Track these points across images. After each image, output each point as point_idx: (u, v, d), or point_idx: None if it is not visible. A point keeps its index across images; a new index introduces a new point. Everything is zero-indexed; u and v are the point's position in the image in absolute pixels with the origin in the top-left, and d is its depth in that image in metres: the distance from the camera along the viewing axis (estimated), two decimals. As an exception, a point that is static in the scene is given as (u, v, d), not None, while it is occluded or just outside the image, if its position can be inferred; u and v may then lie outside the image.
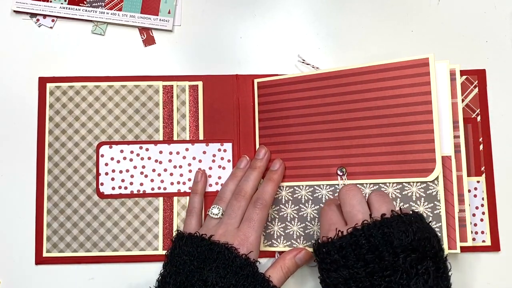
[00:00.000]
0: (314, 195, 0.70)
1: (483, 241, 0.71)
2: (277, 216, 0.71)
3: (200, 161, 0.73)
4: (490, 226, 0.71)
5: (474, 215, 0.71)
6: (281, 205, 0.71)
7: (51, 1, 0.77)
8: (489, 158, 0.72)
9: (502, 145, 0.72)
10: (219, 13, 0.78)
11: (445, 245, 0.63)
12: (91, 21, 0.77)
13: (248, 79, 0.75)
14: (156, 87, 0.75)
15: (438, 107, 0.65)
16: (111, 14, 0.77)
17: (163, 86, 0.75)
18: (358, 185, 0.67)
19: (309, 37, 0.77)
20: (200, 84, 0.75)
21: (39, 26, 0.77)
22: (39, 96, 0.74)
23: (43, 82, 0.75)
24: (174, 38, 0.78)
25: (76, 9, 0.77)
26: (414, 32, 0.76)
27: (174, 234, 0.70)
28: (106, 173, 0.73)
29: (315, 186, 0.70)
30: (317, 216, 0.69)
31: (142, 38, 0.77)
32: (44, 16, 0.77)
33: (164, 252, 0.71)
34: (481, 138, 0.72)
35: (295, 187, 0.71)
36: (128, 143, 0.73)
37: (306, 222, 0.70)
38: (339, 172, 0.68)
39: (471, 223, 0.70)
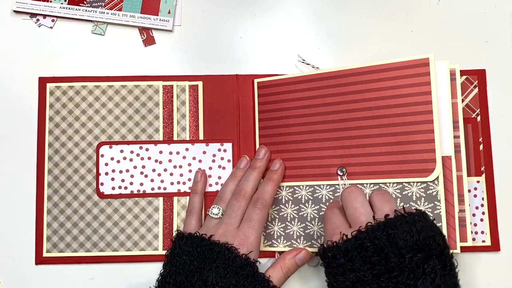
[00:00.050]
0: (314, 195, 0.70)
1: (483, 241, 0.71)
2: (277, 216, 0.71)
3: (200, 161, 0.73)
4: (490, 226, 0.71)
5: (474, 215, 0.71)
6: (281, 205, 0.71)
7: (51, 1, 0.77)
8: (489, 158, 0.72)
9: (502, 145, 0.72)
10: (219, 13, 0.78)
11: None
12: (91, 21, 0.77)
13: (248, 79, 0.75)
14: (156, 87, 0.75)
15: (438, 107, 0.65)
16: (111, 14, 0.77)
17: (163, 86, 0.75)
18: (357, 185, 0.67)
19: (309, 37, 0.77)
20: (200, 84, 0.75)
21: (39, 26, 0.77)
22: (39, 96, 0.74)
23: (43, 82, 0.75)
24: (174, 38, 0.78)
25: (76, 9, 0.77)
26: (414, 32, 0.76)
27: (174, 234, 0.70)
28: (106, 173, 0.73)
29: (315, 186, 0.70)
30: (317, 216, 0.69)
31: (142, 38, 0.77)
32: (44, 16, 0.77)
33: (164, 252, 0.71)
34: (481, 138, 0.72)
35: (295, 187, 0.71)
36: (128, 143, 0.73)
37: (306, 222, 0.70)
38: (339, 172, 0.68)
39: (471, 223, 0.70)
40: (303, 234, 0.70)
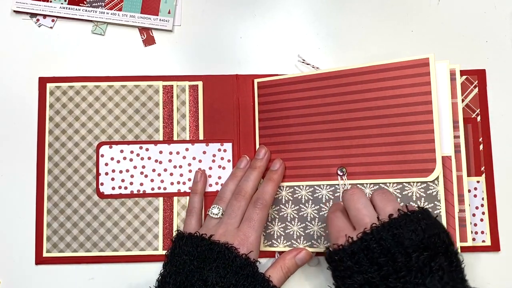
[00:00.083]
0: (314, 195, 0.70)
1: (483, 241, 0.71)
2: (277, 216, 0.71)
3: (200, 161, 0.73)
4: (490, 226, 0.71)
5: (474, 215, 0.71)
6: (281, 205, 0.71)
7: (51, 1, 0.77)
8: (489, 158, 0.72)
9: (502, 145, 0.72)
10: (219, 13, 0.78)
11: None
12: (91, 21, 0.77)
13: (248, 79, 0.75)
14: (156, 87, 0.75)
15: (438, 107, 0.65)
16: (111, 14, 0.77)
17: (163, 86, 0.75)
18: (358, 185, 0.67)
19: (309, 37, 0.77)
20: (200, 84, 0.75)
21: (39, 26, 0.77)
22: (39, 96, 0.74)
23: (43, 82, 0.75)
24: (174, 38, 0.78)
25: (76, 9, 0.77)
26: (414, 32, 0.76)
27: (174, 234, 0.70)
28: (106, 173, 0.73)
29: (315, 186, 0.70)
30: (317, 216, 0.69)
31: (142, 38, 0.77)
32: (44, 16, 0.77)
33: (164, 252, 0.71)
34: (481, 138, 0.72)
35: (295, 187, 0.71)
36: (128, 143, 0.73)
37: (306, 222, 0.70)
38: (339, 172, 0.68)
39: (471, 223, 0.70)
40: (303, 234, 0.70)
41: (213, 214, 0.68)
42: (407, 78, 0.66)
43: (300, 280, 0.72)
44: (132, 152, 0.73)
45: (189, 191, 0.73)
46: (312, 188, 0.70)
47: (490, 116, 0.73)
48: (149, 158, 0.73)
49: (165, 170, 0.73)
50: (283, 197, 0.71)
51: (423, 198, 0.65)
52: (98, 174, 0.73)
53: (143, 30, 0.77)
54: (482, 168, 0.72)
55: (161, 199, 0.73)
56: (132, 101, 0.74)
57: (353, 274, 0.53)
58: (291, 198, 0.71)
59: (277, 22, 0.78)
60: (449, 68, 0.67)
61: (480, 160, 0.72)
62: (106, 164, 0.73)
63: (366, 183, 0.67)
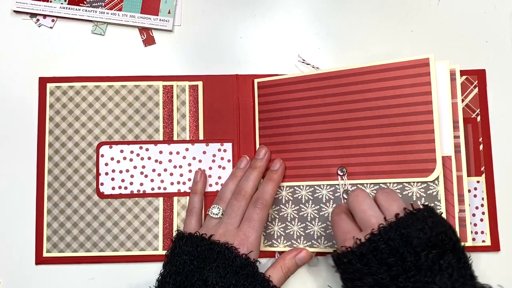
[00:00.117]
0: (315, 195, 0.70)
1: (483, 241, 0.71)
2: (277, 216, 0.71)
3: (200, 161, 0.73)
4: (490, 226, 0.71)
5: (474, 215, 0.71)
6: (281, 205, 0.71)
7: (51, 1, 0.77)
8: (489, 158, 0.72)
9: (502, 145, 0.72)
10: (219, 13, 0.78)
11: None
12: (91, 21, 0.77)
13: (248, 79, 0.75)
14: (156, 87, 0.75)
15: (439, 107, 0.65)
16: (111, 14, 0.77)
17: (163, 86, 0.75)
18: (358, 185, 0.67)
19: (309, 37, 0.77)
20: (200, 84, 0.75)
21: (39, 26, 0.77)
22: (39, 96, 0.74)
23: (43, 82, 0.75)
24: (174, 38, 0.78)
25: (76, 9, 0.77)
26: (414, 32, 0.76)
27: (174, 234, 0.70)
28: (106, 173, 0.73)
29: (315, 186, 0.70)
30: (317, 216, 0.69)
31: (142, 38, 0.77)
32: (44, 16, 0.77)
33: (164, 252, 0.71)
34: (481, 138, 0.72)
35: (295, 187, 0.71)
36: (128, 143, 0.73)
37: (307, 222, 0.70)
38: (339, 172, 0.68)
39: (471, 223, 0.70)
40: (303, 234, 0.70)
41: (213, 214, 0.68)
42: (407, 78, 0.66)
43: (300, 280, 0.72)
44: (132, 152, 0.73)
45: (189, 191, 0.73)
46: (312, 188, 0.70)
47: (490, 116, 0.73)
48: (149, 158, 0.73)
49: (165, 170, 0.73)
50: (283, 197, 0.71)
51: (423, 198, 0.65)
52: (98, 174, 0.73)
53: (143, 30, 0.77)
54: (482, 168, 0.72)
55: (161, 199, 0.73)
56: (132, 101, 0.74)
57: (362, 276, 0.53)
58: (291, 198, 0.71)
59: (277, 22, 0.78)
60: (449, 68, 0.67)
61: (480, 160, 0.72)
62: (106, 164, 0.73)
63: (366, 183, 0.67)
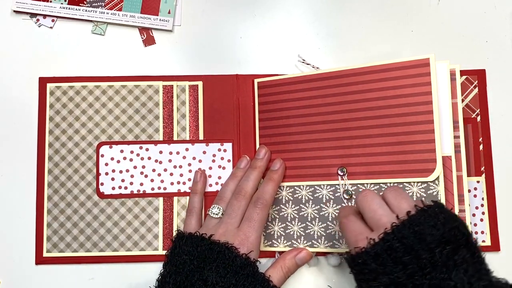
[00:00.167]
0: (315, 195, 0.70)
1: (483, 241, 0.71)
2: (278, 216, 0.71)
3: (200, 161, 0.73)
4: (490, 226, 0.71)
5: (474, 215, 0.71)
6: (281, 205, 0.71)
7: (51, 1, 0.77)
8: (489, 158, 0.72)
9: (502, 145, 0.72)
10: (219, 13, 0.78)
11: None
12: (91, 21, 0.77)
13: (248, 79, 0.75)
14: (156, 87, 0.75)
15: (439, 107, 0.65)
16: (111, 14, 0.77)
17: (163, 86, 0.75)
18: (359, 185, 0.67)
19: (309, 37, 0.77)
20: (200, 84, 0.75)
21: (39, 26, 0.77)
22: (40, 96, 0.74)
23: (43, 82, 0.75)
24: (174, 38, 0.78)
25: (76, 9, 0.77)
26: (414, 32, 0.76)
27: (174, 234, 0.70)
28: (106, 173, 0.73)
29: (315, 186, 0.70)
30: (317, 216, 0.69)
31: (142, 38, 0.77)
32: (44, 16, 0.77)
33: (164, 252, 0.71)
34: (481, 138, 0.72)
35: (295, 187, 0.71)
36: (128, 143, 0.73)
37: (307, 222, 0.70)
38: (339, 172, 0.68)
39: (471, 223, 0.70)
40: (304, 234, 0.70)
41: (213, 213, 0.68)
42: (407, 78, 0.66)
43: (300, 280, 0.72)
44: (132, 152, 0.73)
45: (189, 191, 0.73)
46: (313, 188, 0.70)
47: (490, 116, 0.73)
48: (149, 158, 0.73)
49: (165, 170, 0.73)
50: (283, 197, 0.71)
51: (423, 198, 0.65)
52: (98, 174, 0.73)
53: (143, 30, 0.77)
54: (482, 168, 0.72)
55: (161, 199, 0.73)
56: (132, 101, 0.74)
57: (378, 276, 0.52)
58: (292, 198, 0.71)
59: (277, 22, 0.78)
60: (449, 68, 0.67)
61: (480, 160, 0.72)
62: (106, 164, 0.73)
63: (367, 183, 0.67)
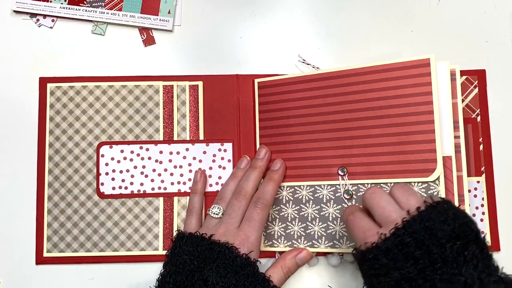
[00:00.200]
0: (315, 195, 0.70)
1: (483, 241, 0.71)
2: (278, 216, 0.71)
3: (200, 161, 0.73)
4: (490, 226, 0.71)
5: (474, 215, 0.71)
6: (281, 205, 0.71)
7: (51, 1, 0.77)
8: (489, 158, 0.72)
9: (502, 145, 0.73)
10: (219, 13, 0.78)
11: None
12: (91, 21, 0.77)
13: (248, 79, 0.75)
14: (156, 87, 0.75)
15: (439, 107, 0.65)
16: (111, 14, 0.77)
17: (164, 86, 0.75)
18: (359, 185, 0.67)
19: (309, 37, 0.77)
20: (200, 84, 0.75)
21: (39, 26, 0.77)
22: (40, 96, 0.74)
23: (43, 82, 0.75)
24: (174, 38, 0.78)
25: (76, 9, 0.77)
26: (414, 32, 0.77)
27: (174, 234, 0.70)
28: (107, 173, 0.73)
29: (316, 186, 0.70)
30: (317, 216, 0.69)
31: (142, 38, 0.77)
32: (44, 16, 0.77)
33: (164, 252, 0.71)
34: (481, 138, 0.72)
35: (296, 187, 0.71)
36: (129, 143, 0.73)
37: (307, 222, 0.70)
38: (340, 172, 0.68)
39: (471, 223, 0.70)
40: (304, 234, 0.70)
41: (214, 213, 0.68)
42: (408, 78, 0.66)
43: (300, 280, 0.72)
44: (132, 152, 0.73)
45: (189, 191, 0.73)
46: (313, 188, 0.70)
47: (490, 116, 0.73)
48: (149, 158, 0.73)
49: (165, 170, 0.73)
50: (283, 197, 0.71)
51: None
52: (98, 174, 0.73)
53: (143, 30, 0.77)
54: (482, 168, 0.72)
55: (161, 199, 0.73)
56: (132, 101, 0.74)
57: (389, 271, 0.52)
58: (292, 198, 0.71)
59: (277, 22, 0.78)
60: (449, 68, 0.67)
61: (480, 160, 0.72)
62: (107, 164, 0.73)
63: (367, 183, 0.67)
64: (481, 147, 0.72)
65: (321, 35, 0.77)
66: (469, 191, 0.71)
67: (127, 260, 0.72)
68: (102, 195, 0.73)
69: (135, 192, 0.73)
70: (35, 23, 0.77)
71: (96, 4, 0.77)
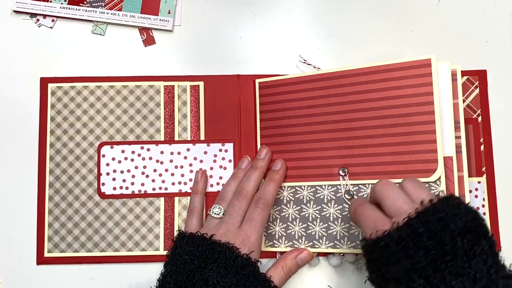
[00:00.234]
0: (316, 196, 0.70)
1: (484, 241, 0.71)
2: (279, 217, 0.71)
3: (201, 161, 0.73)
4: (490, 226, 0.71)
5: (474, 215, 0.71)
6: (282, 206, 0.71)
7: (51, 1, 0.77)
8: (490, 159, 0.72)
9: (503, 145, 0.73)
10: (219, 13, 0.78)
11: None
12: (91, 21, 0.77)
13: (249, 79, 0.75)
14: (157, 87, 0.74)
15: (440, 107, 0.65)
16: (111, 14, 0.77)
17: (165, 86, 0.75)
18: (360, 185, 0.67)
19: (309, 37, 0.77)
20: (201, 84, 0.75)
21: (39, 26, 0.77)
22: (41, 96, 0.74)
23: (44, 82, 0.75)
24: (174, 38, 0.77)
25: (76, 9, 0.77)
26: (414, 32, 0.77)
27: (175, 234, 0.70)
28: (108, 173, 0.73)
29: (317, 187, 0.70)
30: (318, 216, 0.69)
31: (142, 38, 0.77)
32: (44, 16, 0.77)
33: (165, 253, 0.71)
34: (482, 139, 0.72)
35: (296, 188, 0.71)
36: (130, 143, 0.73)
37: (308, 223, 0.70)
38: (341, 173, 0.68)
39: (471, 223, 0.70)
40: (305, 234, 0.70)
41: (214, 213, 0.68)
42: (409, 79, 0.66)
43: (301, 281, 0.72)
44: (133, 152, 0.73)
45: (190, 191, 0.73)
46: (314, 189, 0.70)
47: (491, 116, 0.73)
48: (150, 158, 0.73)
49: (166, 170, 0.73)
50: (284, 197, 0.71)
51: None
52: (99, 174, 0.73)
53: (143, 30, 0.77)
54: (483, 169, 0.72)
55: (162, 199, 0.73)
56: (133, 101, 0.74)
57: (399, 260, 0.52)
58: (293, 199, 0.71)
59: (277, 22, 0.78)
60: (450, 68, 0.67)
61: (481, 160, 0.72)
62: (108, 164, 0.73)
63: (368, 183, 0.67)
64: (482, 147, 0.72)
65: (321, 35, 0.77)
66: (470, 191, 0.71)
67: (128, 260, 0.72)
68: (103, 195, 0.72)
69: (136, 192, 0.73)
70: (35, 23, 0.77)
71: (96, 4, 0.77)
